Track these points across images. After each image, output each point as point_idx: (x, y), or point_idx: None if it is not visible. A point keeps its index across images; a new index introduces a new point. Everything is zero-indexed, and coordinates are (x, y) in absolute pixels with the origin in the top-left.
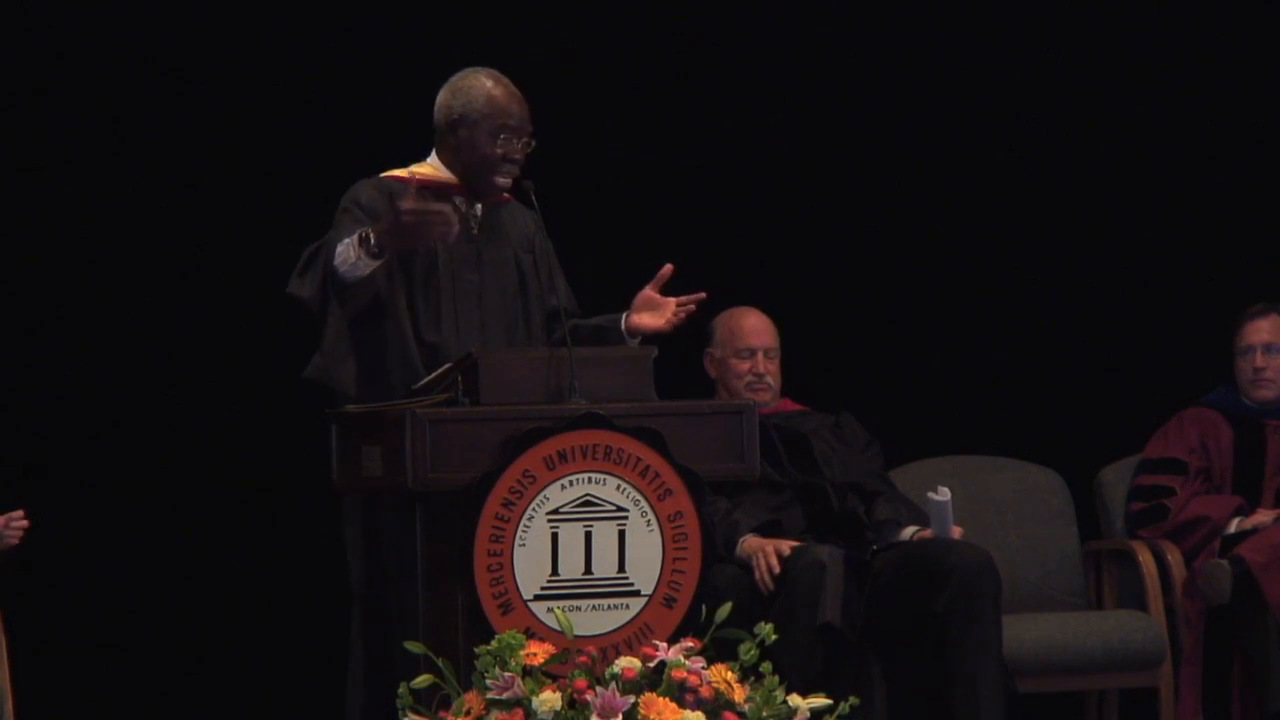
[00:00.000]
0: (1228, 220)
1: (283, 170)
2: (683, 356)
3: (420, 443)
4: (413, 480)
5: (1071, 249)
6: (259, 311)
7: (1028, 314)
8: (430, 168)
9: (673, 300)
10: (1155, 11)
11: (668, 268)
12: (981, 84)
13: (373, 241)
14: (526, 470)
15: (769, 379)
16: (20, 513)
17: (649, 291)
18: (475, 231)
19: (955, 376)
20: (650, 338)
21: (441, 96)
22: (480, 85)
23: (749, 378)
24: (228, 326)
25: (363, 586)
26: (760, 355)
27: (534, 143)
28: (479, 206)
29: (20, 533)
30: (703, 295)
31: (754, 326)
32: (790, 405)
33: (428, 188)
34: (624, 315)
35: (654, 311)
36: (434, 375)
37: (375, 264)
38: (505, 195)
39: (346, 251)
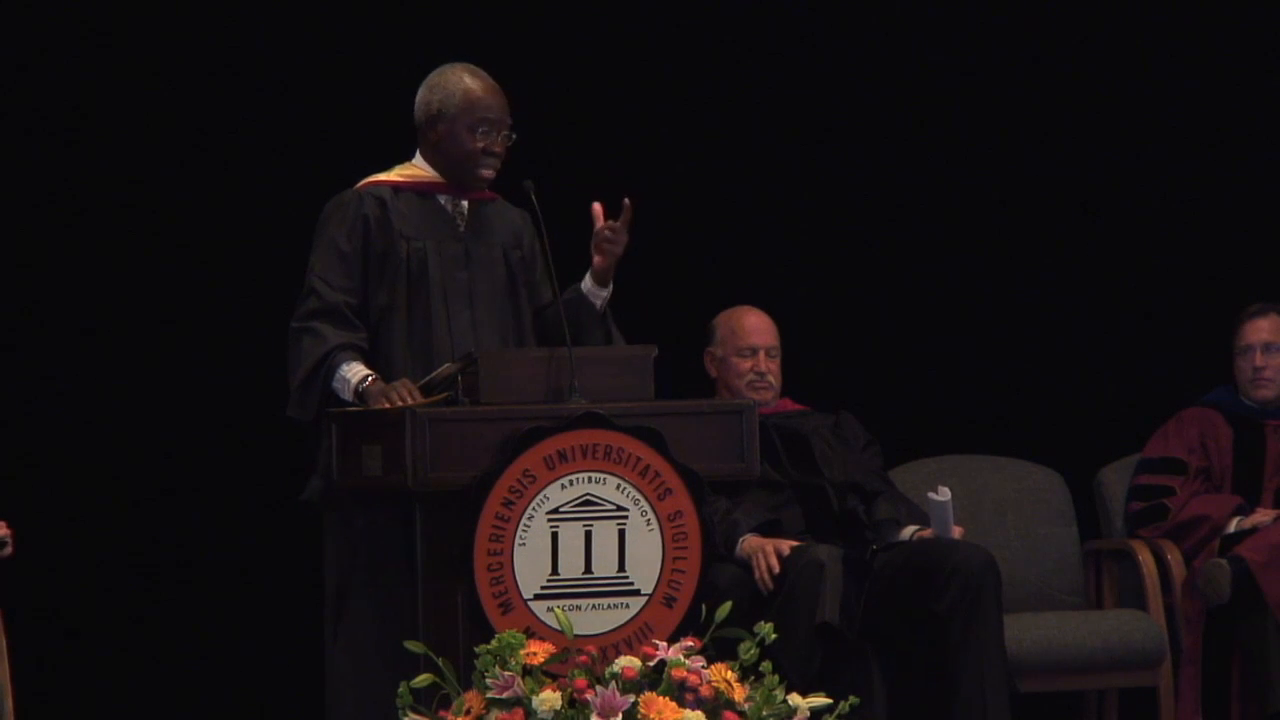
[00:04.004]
0: (1228, 220)
1: (269, 170)
2: (683, 356)
3: (420, 442)
4: (413, 480)
5: (1071, 249)
6: (251, 318)
7: (1028, 314)
8: (415, 168)
9: (601, 227)
10: (1155, 11)
11: (596, 207)
12: (982, 84)
13: (364, 395)
14: (526, 470)
15: (770, 378)
16: (2, 524)
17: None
18: (463, 230)
19: (955, 376)
20: (644, 335)
21: (420, 94)
22: (457, 80)
23: (750, 376)
24: (222, 332)
25: (337, 599)
26: (762, 354)
27: (514, 135)
28: (465, 204)
29: (9, 542)
30: (625, 201)
31: (755, 325)
32: (790, 405)
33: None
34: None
35: (596, 250)
36: (434, 375)
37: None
38: (489, 192)
39: (343, 388)
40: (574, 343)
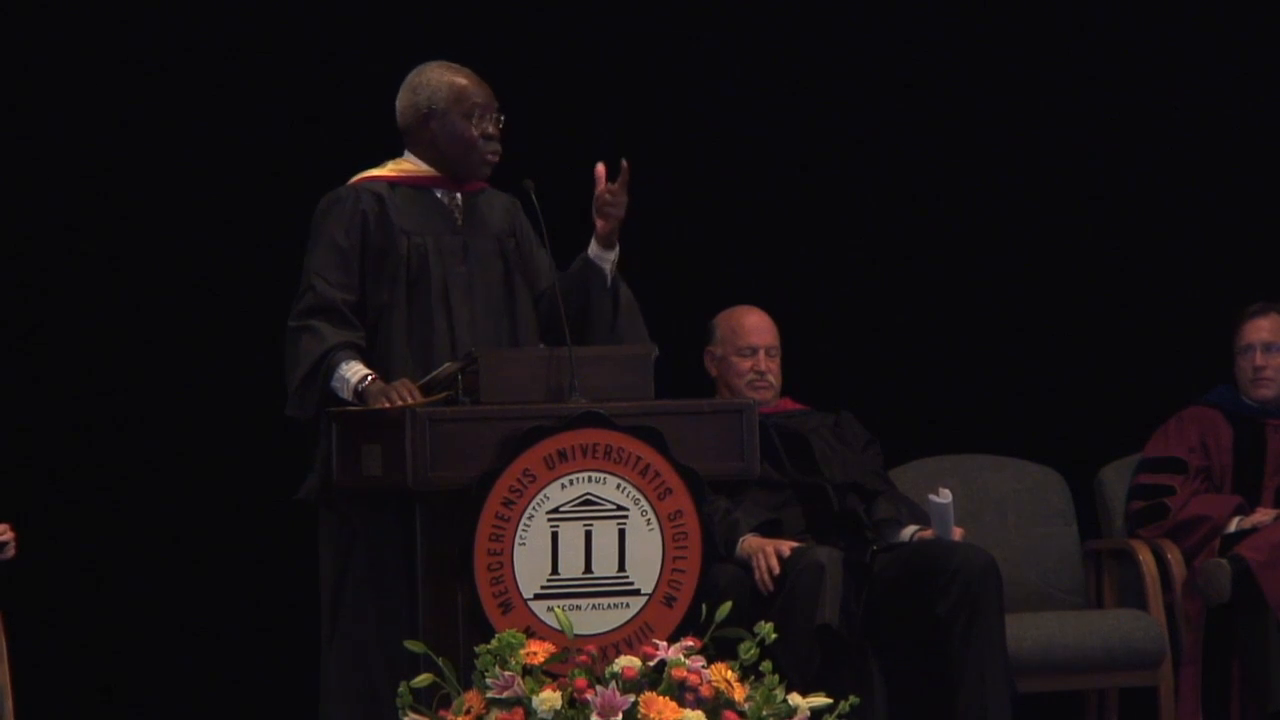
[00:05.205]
0: (1228, 220)
1: (266, 169)
2: (683, 356)
3: (420, 442)
4: (413, 480)
5: (1071, 248)
6: (249, 317)
7: (1028, 314)
8: (408, 163)
9: (601, 190)
10: (1155, 10)
11: (599, 168)
12: (981, 84)
13: (364, 395)
14: (526, 469)
15: (770, 377)
16: (5, 526)
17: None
18: (460, 223)
19: (955, 376)
20: (649, 332)
21: (402, 98)
22: (438, 76)
23: (750, 375)
24: (221, 333)
25: (333, 599)
26: (762, 353)
27: (503, 117)
28: (459, 196)
29: (11, 544)
30: (624, 163)
31: (755, 325)
32: (790, 405)
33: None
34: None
35: (598, 214)
36: (434, 374)
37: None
38: (485, 183)
39: (342, 387)
40: (581, 313)
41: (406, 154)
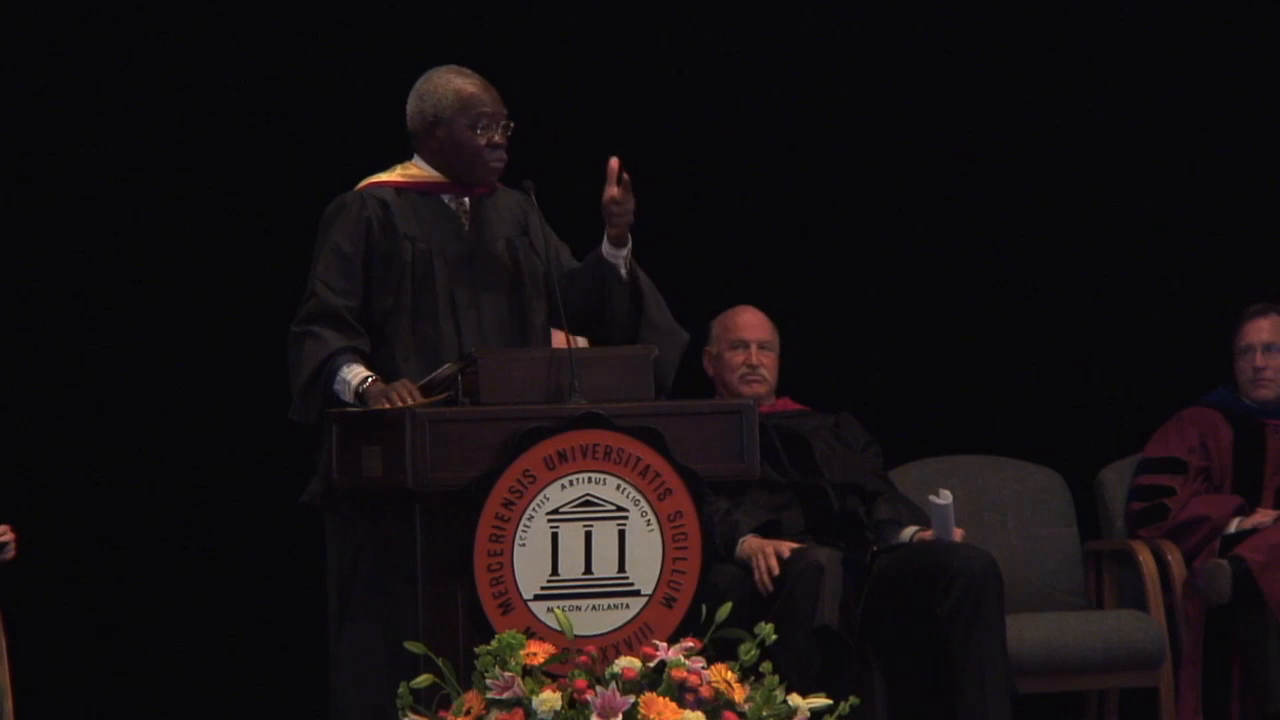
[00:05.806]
0: (1228, 220)
1: (270, 171)
2: (683, 356)
3: (420, 443)
4: (413, 480)
5: (1071, 249)
6: (253, 323)
7: (1027, 314)
8: (416, 167)
9: (607, 199)
10: (1155, 10)
11: (613, 162)
12: (981, 83)
13: (365, 396)
14: (526, 470)
15: (763, 371)
16: (6, 527)
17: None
18: (467, 228)
19: (955, 376)
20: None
21: (411, 104)
22: (446, 83)
23: (742, 369)
24: (227, 337)
25: (340, 601)
26: (754, 347)
27: (513, 124)
28: (467, 201)
29: (11, 544)
30: (622, 171)
31: (748, 321)
32: (790, 405)
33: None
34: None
35: (607, 220)
36: (435, 375)
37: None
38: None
39: (344, 390)
40: (596, 306)
41: (415, 158)
